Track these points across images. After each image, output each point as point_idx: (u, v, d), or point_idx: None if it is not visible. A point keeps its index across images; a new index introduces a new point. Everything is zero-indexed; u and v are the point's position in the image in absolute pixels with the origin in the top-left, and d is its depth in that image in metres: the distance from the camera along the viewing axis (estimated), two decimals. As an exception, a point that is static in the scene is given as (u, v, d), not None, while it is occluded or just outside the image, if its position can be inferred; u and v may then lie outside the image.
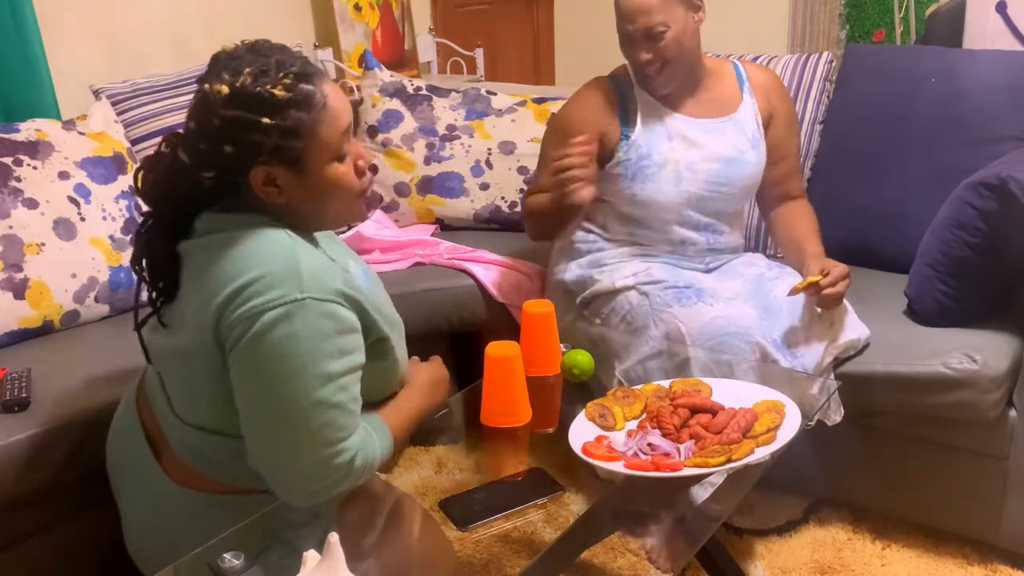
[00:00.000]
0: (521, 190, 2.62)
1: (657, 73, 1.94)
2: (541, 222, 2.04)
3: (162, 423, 1.43)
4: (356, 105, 2.72)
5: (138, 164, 1.35)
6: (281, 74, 1.26)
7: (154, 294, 1.40)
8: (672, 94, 2.02)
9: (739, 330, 1.81)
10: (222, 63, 1.28)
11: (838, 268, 1.86)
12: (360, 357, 1.34)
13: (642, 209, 2.02)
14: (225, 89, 1.25)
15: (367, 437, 1.35)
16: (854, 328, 1.95)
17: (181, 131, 1.34)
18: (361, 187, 1.39)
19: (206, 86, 1.27)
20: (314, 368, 1.26)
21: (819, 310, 1.90)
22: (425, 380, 1.56)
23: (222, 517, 1.34)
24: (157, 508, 1.44)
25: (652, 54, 1.91)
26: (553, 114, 2.13)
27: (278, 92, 1.25)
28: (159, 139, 1.39)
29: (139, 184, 1.37)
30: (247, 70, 1.25)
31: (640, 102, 2.03)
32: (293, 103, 1.26)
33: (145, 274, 1.39)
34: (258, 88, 1.25)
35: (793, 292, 1.87)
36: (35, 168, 2.04)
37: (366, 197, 1.43)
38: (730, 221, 2.10)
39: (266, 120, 1.25)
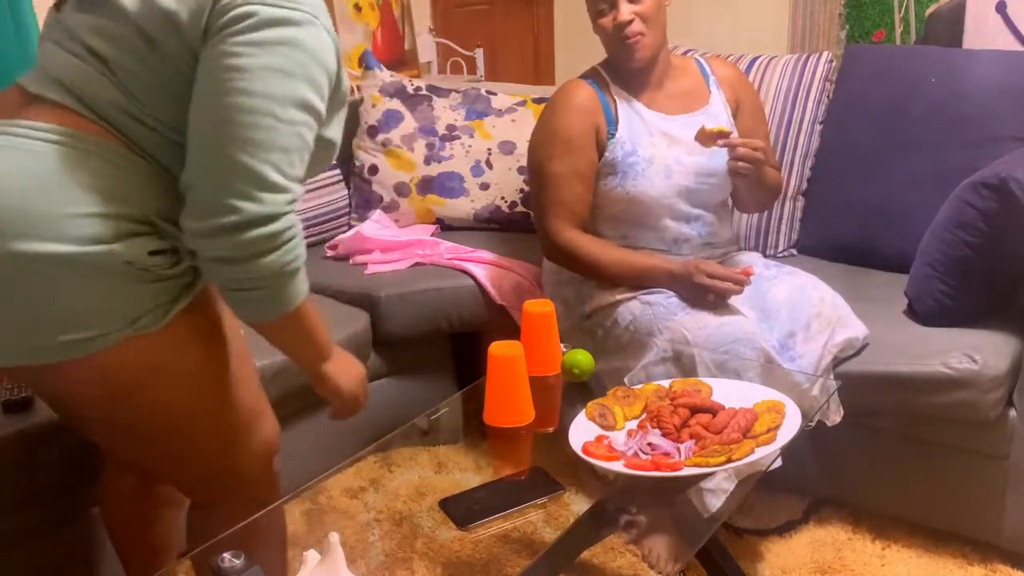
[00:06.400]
0: (521, 190, 2.62)
1: (635, 37, 1.95)
2: (608, 273, 1.98)
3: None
4: (356, 105, 2.72)
5: None
6: None
7: None
8: (643, 90, 2.05)
9: (745, 336, 1.80)
10: None
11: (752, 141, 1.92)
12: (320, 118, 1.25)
13: (634, 207, 2.03)
14: None
15: (302, 242, 1.23)
16: (852, 326, 1.95)
17: None
18: None
19: None
20: (300, 84, 1.19)
21: (817, 313, 1.91)
22: (355, 372, 1.47)
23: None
24: None
25: (633, 14, 1.93)
26: (543, 124, 2.07)
27: None
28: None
29: None
30: None
31: (618, 100, 2.05)
32: None
33: None
34: None
35: (699, 135, 1.91)
36: (35, 168, 2.04)
37: None
38: (717, 211, 2.11)
39: None
